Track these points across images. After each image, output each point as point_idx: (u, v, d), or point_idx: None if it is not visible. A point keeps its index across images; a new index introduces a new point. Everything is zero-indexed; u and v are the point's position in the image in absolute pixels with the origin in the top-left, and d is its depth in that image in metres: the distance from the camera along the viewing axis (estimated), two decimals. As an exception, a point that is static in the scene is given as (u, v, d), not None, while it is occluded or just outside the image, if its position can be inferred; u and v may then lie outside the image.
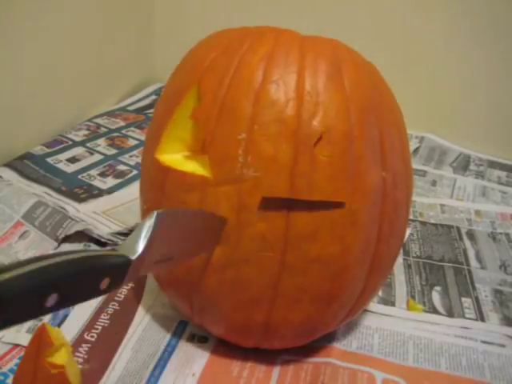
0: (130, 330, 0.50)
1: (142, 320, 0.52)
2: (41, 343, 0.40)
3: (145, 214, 0.46)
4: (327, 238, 0.40)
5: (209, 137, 0.40)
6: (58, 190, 0.72)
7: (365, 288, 0.45)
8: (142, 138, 0.90)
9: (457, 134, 0.95)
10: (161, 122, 0.44)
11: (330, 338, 0.51)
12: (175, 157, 0.43)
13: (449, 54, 0.92)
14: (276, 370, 0.47)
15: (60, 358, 0.40)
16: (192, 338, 0.50)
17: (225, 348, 0.49)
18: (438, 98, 0.95)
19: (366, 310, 0.55)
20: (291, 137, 0.39)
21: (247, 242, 0.40)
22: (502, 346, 0.52)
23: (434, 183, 0.84)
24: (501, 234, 0.71)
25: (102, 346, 0.48)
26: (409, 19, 0.92)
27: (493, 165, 0.91)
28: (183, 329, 0.51)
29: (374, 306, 0.56)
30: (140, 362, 0.47)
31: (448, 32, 0.90)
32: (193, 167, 0.42)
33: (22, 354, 0.47)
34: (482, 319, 0.55)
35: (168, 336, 0.50)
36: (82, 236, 0.62)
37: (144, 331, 0.50)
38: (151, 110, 1.01)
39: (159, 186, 0.43)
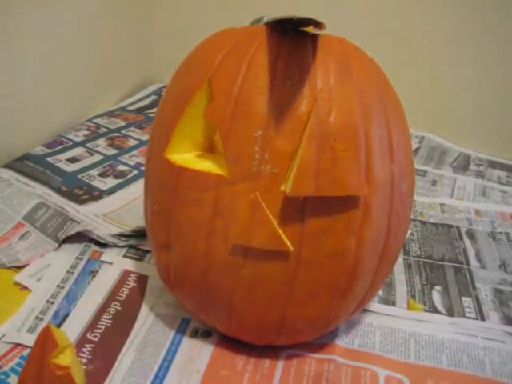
0: (133, 331, 0.50)
1: (145, 320, 0.52)
2: (46, 345, 0.40)
3: (154, 215, 0.46)
4: (343, 232, 0.41)
5: (224, 135, 0.40)
6: (58, 190, 0.72)
7: (374, 280, 0.45)
8: (142, 138, 0.89)
9: (457, 134, 0.95)
10: (169, 122, 0.44)
11: (332, 335, 0.51)
12: (187, 156, 0.43)
13: (449, 53, 0.92)
14: (280, 365, 0.48)
15: (65, 359, 0.40)
16: (195, 334, 0.50)
17: (229, 342, 0.49)
18: (438, 97, 0.95)
19: (366, 310, 0.55)
20: (310, 134, 0.39)
21: (263, 239, 0.40)
22: (502, 342, 0.52)
23: (434, 183, 0.84)
24: (501, 233, 0.71)
25: (106, 346, 0.48)
26: (409, 18, 0.92)
27: (493, 165, 0.91)
28: (186, 326, 0.51)
29: (374, 305, 0.56)
30: (144, 362, 0.47)
31: (448, 31, 0.90)
32: (207, 166, 0.42)
33: (23, 353, 0.47)
34: (483, 318, 0.55)
35: (171, 335, 0.50)
36: (83, 237, 0.62)
37: (147, 331, 0.50)
38: (151, 110, 1.01)
39: (170, 186, 0.43)
